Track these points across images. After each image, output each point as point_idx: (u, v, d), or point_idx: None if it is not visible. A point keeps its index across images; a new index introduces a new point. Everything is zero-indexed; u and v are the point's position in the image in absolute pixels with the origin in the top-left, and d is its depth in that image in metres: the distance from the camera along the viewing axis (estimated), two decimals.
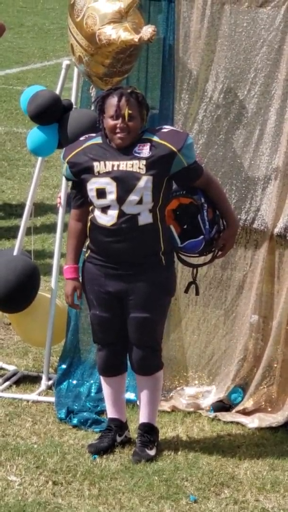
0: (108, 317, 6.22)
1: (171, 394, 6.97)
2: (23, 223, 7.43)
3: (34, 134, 7.06)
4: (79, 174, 6.10)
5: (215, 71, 6.67)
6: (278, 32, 6.52)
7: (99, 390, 6.72)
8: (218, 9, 6.59)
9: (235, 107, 6.74)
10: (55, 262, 7.21)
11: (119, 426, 6.35)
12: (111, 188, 5.98)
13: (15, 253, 7.28)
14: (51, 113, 6.90)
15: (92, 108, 6.79)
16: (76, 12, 6.53)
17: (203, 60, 6.69)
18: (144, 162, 5.97)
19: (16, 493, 5.74)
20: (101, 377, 6.43)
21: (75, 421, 6.60)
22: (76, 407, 6.76)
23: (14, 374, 7.31)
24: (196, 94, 6.78)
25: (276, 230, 6.66)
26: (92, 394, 6.93)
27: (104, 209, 6.02)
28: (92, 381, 6.97)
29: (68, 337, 7.13)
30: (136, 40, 6.26)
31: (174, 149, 5.98)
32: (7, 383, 7.18)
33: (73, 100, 7.05)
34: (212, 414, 6.78)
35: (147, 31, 6.21)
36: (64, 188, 7.20)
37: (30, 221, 7.49)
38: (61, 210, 7.25)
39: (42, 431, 6.54)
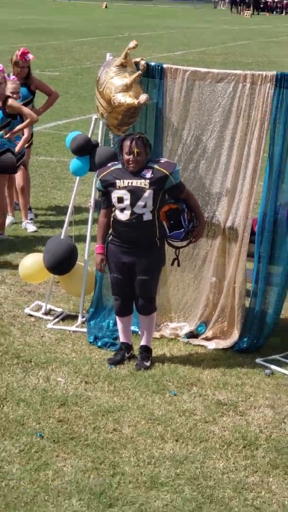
0: (122, 279, 6.49)
1: (160, 327, 7.19)
2: (67, 218, 7.58)
3: (74, 162, 7.23)
4: (107, 187, 6.37)
5: (189, 123, 6.88)
6: (228, 99, 6.71)
7: (115, 324, 6.92)
8: (191, 84, 6.82)
9: (201, 146, 6.92)
10: (87, 243, 7.37)
11: (127, 347, 6.68)
12: (127, 197, 6.27)
13: (62, 237, 7.44)
14: (84, 149, 7.05)
15: (111, 145, 7.01)
16: (100, 85, 6.77)
17: (181, 116, 6.90)
18: (148, 181, 6.25)
19: (62, 389, 6.07)
20: (116, 317, 6.73)
21: (99, 343, 6.90)
22: (100, 335, 7.00)
23: (60, 314, 7.48)
24: (176, 138, 6.98)
25: (227, 224, 6.85)
26: (110, 327, 7.09)
27: (122, 210, 6.31)
28: (110, 319, 7.12)
29: (95, 291, 7.26)
30: (136, 103, 6.59)
31: (167, 173, 6.28)
32: (56, 319, 7.36)
33: (99, 140, 7.18)
34: (186, 340, 7.07)
35: (143, 98, 6.54)
36: (93, 196, 7.34)
37: (71, 217, 7.58)
38: (91, 211, 7.38)
39: (78, 350, 6.80)
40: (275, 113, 6.60)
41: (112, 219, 6.46)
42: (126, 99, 6.63)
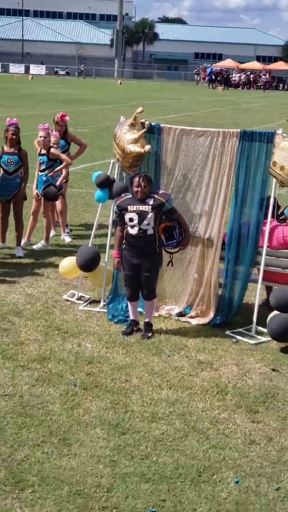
0: (132, 275, 6.47)
1: (158, 309, 7.06)
2: (93, 232, 7.58)
3: (98, 193, 7.21)
4: (121, 211, 6.37)
5: (178, 166, 6.87)
6: (206, 148, 6.68)
7: (126, 307, 6.80)
8: (180, 138, 6.80)
9: (187, 182, 6.89)
10: (107, 250, 7.27)
11: (135, 323, 6.65)
12: (135, 218, 6.25)
13: (89, 245, 7.37)
14: (105, 184, 7.05)
15: (125, 181, 6.97)
16: (116, 138, 6.75)
17: (173, 161, 6.90)
18: (150, 207, 6.25)
19: (89, 352, 6.07)
20: (128, 301, 6.68)
21: (115, 320, 6.83)
22: (116, 314, 6.93)
23: (88, 299, 7.39)
24: (169, 176, 6.95)
25: (205, 236, 6.79)
26: (123, 309, 6.97)
27: (132, 227, 6.29)
28: (123, 303, 6.99)
29: (112, 283, 7.22)
30: (142, 151, 6.62)
31: (163, 201, 6.29)
32: (85, 303, 7.27)
33: (116, 177, 7.11)
34: (176, 318, 7.00)
35: (147, 148, 6.60)
36: (111, 217, 7.26)
37: (95, 232, 7.66)
38: (109, 227, 7.33)
39: (101, 324, 6.75)
40: (239, 159, 6.57)
41: (125, 233, 6.43)
42: (135, 148, 6.66)
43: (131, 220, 6.31)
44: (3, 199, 8.72)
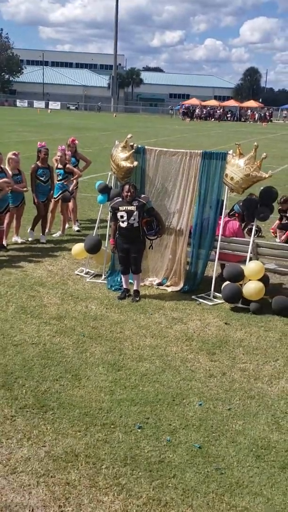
0: (123, 256, 6.40)
1: (143, 280, 6.87)
2: (96, 225, 7.44)
3: (99, 197, 7.05)
4: (114, 210, 6.29)
5: (158, 177, 6.72)
6: (178, 164, 6.57)
7: (120, 279, 6.63)
8: (159, 157, 6.68)
9: (163, 189, 6.74)
10: (106, 238, 7.08)
11: (127, 290, 6.54)
12: (125, 215, 6.19)
13: (93, 235, 7.26)
14: (104, 190, 6.93)
15: (118, 188, 6.78)
16: (112, 156, 6.64)
17: (154, 173, 6.74)
18: (135, 207, 6.20)
19: (94, 311, 5.98)
20: (121, 275, 6.57)
21: (113, 289, 6.70)
22: (113, 284, 6.80)
23: (93, 273, 7.21)
24: (151, 184, 6.78)
25: (177, 228, 6.69)
26: (118, 280, 6.77)
27: (123, 222, 6.22)
28: (118, 276, 6.80)
29: (110, 262, 7.12)
30: (132, 166, 6.52)
31: (145, 202, 6.24)
32: (91, 276, 7.10)
33: (112, 185, 6.97)
34: (156, 287, 6.89)
35: (134, 163, 6.49)
36: (110, 214, 6.86)
37: (98, 225, 7.46)
38: (109, 222, 6.91)
39: (102, 292, 6.63)
40: (201, 172, 6.49)
41: (118, 226, 6.36)
42: (126, 164, 6.58)
43: (121, 217, 6.21)
44: (42, 202, 8.57)
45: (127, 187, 6.26)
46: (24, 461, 3.47)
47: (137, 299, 6.46)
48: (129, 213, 6.20)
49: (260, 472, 3.46)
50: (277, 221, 8.81)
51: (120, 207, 6.25)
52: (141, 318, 5.93)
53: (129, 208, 6.22)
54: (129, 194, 6.22)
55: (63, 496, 3.20)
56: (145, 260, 6.99)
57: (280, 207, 8.47)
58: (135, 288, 6.54)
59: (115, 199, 6.40)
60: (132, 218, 6.21)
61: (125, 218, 6.22)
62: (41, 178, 8.44)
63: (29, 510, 3.08)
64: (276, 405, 4.25)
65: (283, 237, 8.41)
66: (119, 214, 6.25)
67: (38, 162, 8.45)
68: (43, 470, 3.40)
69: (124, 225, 6.26)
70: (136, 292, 6.53)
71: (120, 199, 6.31)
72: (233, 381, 4.63)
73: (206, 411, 4.14)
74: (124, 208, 6.23)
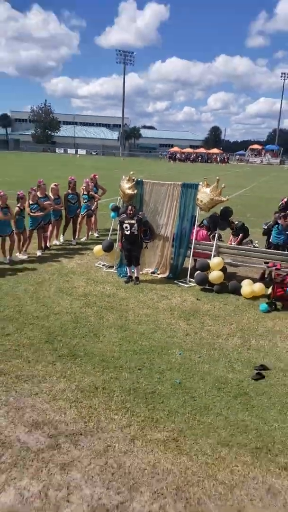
0: (128, 254, 6.20)
1: (141, 270, 6.56)
2: (110, 233, 7.29)
3: (112, 213, 6.82)
4: (121, 223, 6.13)
5: (151, 200, 6.50)
6: (165, 191, 6.39)
7: (126, 270, 6.38)
8: (152, 186, 6.51)
9: (155, 208, 6.51)
10: (117, 242, 6.91)
11: (130, 277, 6.31)
12: (128, 226, 6.04)
13: (108, 239, 7.02)
14: (115, 209, 6.77)
15: (123, 208, 6.55)
16: (120, 186, 6.51)
17: (149, 198, 6.42)
18: (135, 220, 6.05)
19: (108, 291, 5.76)
20: (127, 267, 6.35)
21: (121, 276, 6.46)
22: (121, 273, 6.55)
23: (108, 265, 6.92)
24: (147, 206, 6.53)
25: (164, 235, 6.51)
26: (125, 270, 6.46)
27: (127, 231, 6.05)
28: (125, 267, 6.44)
29: (120, 257, 6.73)
30: (133, 193, 6.41)
31: (141, 217, 6.11)
32: (106, 267, 6.86)
33: (120, 206, 6.76)
34: (151, 274, 6.66)
35: (135, 191, 6.36)
36: (118, 226, 6.66)
37: (111, 232, 7.28)
38: (118, 231, 6.75)
39: (114, 278, 6.37)
40: (181, 197, 6.31)
41: (123, 234, 6.24)
42: (129, 192, 6.50)
43: (126, 227, 6.09)
44: (71, 217, 8.42)
45: (130, 207, 6.15)
46: (61, 392, 3.46)
47: (138, 283, 6.29)
48: (131, 225, 6.07)
49: (220, 399, 3.47)
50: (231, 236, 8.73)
51: (125, 221, 6.11)
52: (140, 296, 5.79)
53: (131, 221, 6.08)
54: (131, 212, 6.10)
55: (87, 415, 3.20)
56: (142, 256, 6.71)
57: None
58: (136, 275, 6.36)
59: (121, 215, 6.27)
60: (133, 228, 6.08)
61: (128, 228, 6.09)
62: (71, 201, 8.40)
63: (65, 424, 3.09)
64: (231, 355, 4.23)
65: (236, 241, 8.34)
66: (124, 225, 6.11)
67: (69, 190, 8.41)
68: (74, 398, 3.39)
69: (127, 233, 6.12)
70: (137, 278, 6.36)
71: (125, 215, 6.15)
72: (202, 338, 4.59)
73: (184, 358, 4.11)
74: (128, 222, 6.09)
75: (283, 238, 6.26)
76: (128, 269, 6.47)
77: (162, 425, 3.10)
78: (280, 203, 7.01)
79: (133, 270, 6.49)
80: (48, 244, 8.00)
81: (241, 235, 7.04)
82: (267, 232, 6.51)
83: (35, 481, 2.54)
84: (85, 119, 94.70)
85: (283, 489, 2.58)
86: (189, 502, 2.45)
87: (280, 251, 6.07)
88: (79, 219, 8.97)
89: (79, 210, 8.69)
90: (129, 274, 6.46)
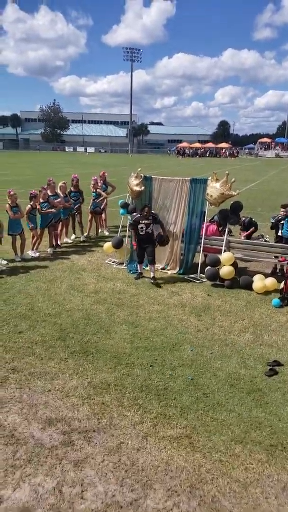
0: (141, 251, 6.20)
1: (156, 267, 6.33)
2: (119, 229, 7.21)
3: (121, 210, 6.81)
4: (136, 223, 6.09)
5: (160, 197, 6.40)
6: (173, 188, 6.33)
7: (136, 266, 6.41)
8: (161, 182, 6.47)
9: (164, 205, 6.43)
10: (126, 238, 6.88)
11: (140, 274, 6.30)
12: (144, 226, 6.05)
13: (118, 236, 7.00)
14: (125, 206, 6.71)
15: (132, 204, 6.56)
16: (129, 183, 6.50)
17: (157, 194, 6.49)
18: (150, 220, 6.06)
19: (119, 287, 5.74)
20: (137, 263, 6.35)
21: (131, 273, 6.46)
22: (131, 269, 6.54)
23: (118, 262, 6.94)
24: (156, 202, 6.49)
25: (174, 231, 6.44)
26: (135, 266, 6.50)
27: (142, 231, 6.06)
28: (135, 264, 6.52)
29: (130, 253, 6.85)
30: (141, 190, 6.37)
31: (156, 216, 6.10)
32: (116, 264, 6.86)
33: (130, 203, 6.70)
34: (161, 270, 6.59)
35: (142, 187, 6.32)
36: (128, 223, 6.64)
37: (120, 229, 7.17)
38: (131, 231, 6.68)
39: (124, 274, 6.39)
40: (190, 192, 6.27)
41: (137, 233, 6.16)
42: (137, 188, 6.47)
43: (141, 228, 6.08)
44: (72, 213, 8.45)
45: (146, 208, 6.10)
46: (73, 388, 3.45)
47: (154, 281, 6.10)
48: (147, 225, 6.09)
49: (233, 396, 3.42)
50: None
51: (140, 221, 6.10)
52: (150, 292, 5.77)
53: (147, 221, 6.10)
54: (147, 212, 6.10)
55: (100, 411, 3.18)
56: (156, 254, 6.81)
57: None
58: (152, 275, 6.14)
59: (134, 214, 6.21)
60: (149, 228, 6.10)
61: (144, 228, 6.09)
62: (73, 198, 8.43)
63: (78, 421, 3.06)
64: (243, 351, 4.17)
65: (245, 235, 8.23)
66: (139, 226, 6.09)
67: (71, 188, 8.46)
68: (86, 394, 3.38)
69: (143, 233, 6.12)
70: (154, 277, 6.16)
71: (139, 215, 6.12)
72: (214, 334, 4.55)
73: (196, 355, 4.07)
74: (143, 222, 6.09)
75: None
76: (138, 266, 6.44)
77: (174, 422, 3.06)
78: None
79: (145, 267, 6.50)
80: (58, 242, 8.03)
81: (252, 228, 6.97)
82: (275, 226, 6.42)
83: (49, 477, 2.52)
84: (93, 117, 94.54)
85: None
86: (203, 500, 2.41)
87: None
88: (89, 216, 8.98)
89: (78, 205, 8.61)
90: (139, 271, 6.44)
